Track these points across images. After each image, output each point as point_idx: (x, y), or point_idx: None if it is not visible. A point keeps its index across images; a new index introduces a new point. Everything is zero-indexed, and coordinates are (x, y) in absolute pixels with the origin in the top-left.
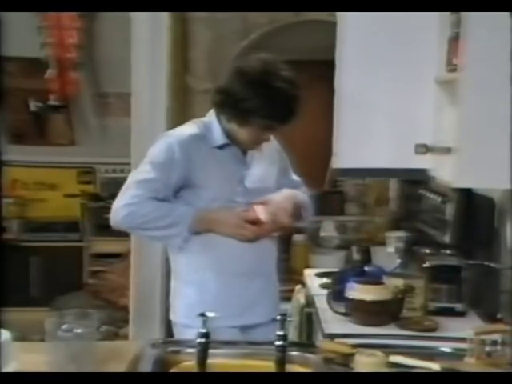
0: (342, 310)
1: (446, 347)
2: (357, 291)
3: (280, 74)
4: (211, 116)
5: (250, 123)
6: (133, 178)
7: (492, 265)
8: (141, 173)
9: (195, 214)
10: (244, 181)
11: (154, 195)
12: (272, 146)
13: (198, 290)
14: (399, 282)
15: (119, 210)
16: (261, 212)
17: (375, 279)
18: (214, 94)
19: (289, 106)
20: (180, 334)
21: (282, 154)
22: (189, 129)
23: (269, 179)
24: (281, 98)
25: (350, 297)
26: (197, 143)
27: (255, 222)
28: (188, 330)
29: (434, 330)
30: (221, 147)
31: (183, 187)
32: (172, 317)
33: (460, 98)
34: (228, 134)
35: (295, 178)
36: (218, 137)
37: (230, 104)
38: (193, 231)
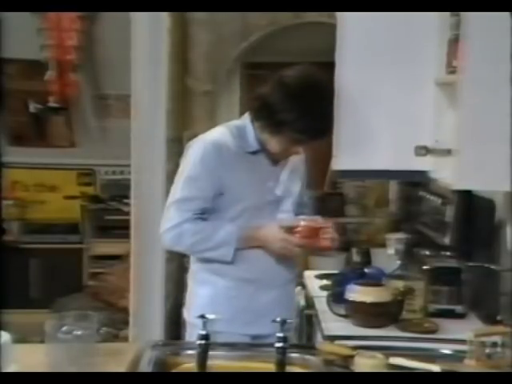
0: (342, 311)
1: (446, 349)
2: (357, 293)
3: (321, 90)
4: (245, 120)
5: (283, 135)
6: (172, 197)
7: (492, 267)
8: (178, 191)
9: (240, 234)
10: (274, 189)
11: (195, 212)
12: (299, 156)
13: (212, 293)
14: (399, 284)
15: (165, 234)
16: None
17: (375, 281)
18: (252, 100)
19: (323, 124)
20: (189, 332)
21: (304, 166)
22: (222, 133)
23: (295, 190)
24: (317, 115)
25: (350, 299)
26: (230, 148)
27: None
28: (198, 329)
29: (434, 331)
30: (254, 153)
31: (216, 195)
32: (185, 314)
33: (460, 100)
34: (260, 141)
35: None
36: (252, 142)
37: (266, 113)
38: (240, 249)
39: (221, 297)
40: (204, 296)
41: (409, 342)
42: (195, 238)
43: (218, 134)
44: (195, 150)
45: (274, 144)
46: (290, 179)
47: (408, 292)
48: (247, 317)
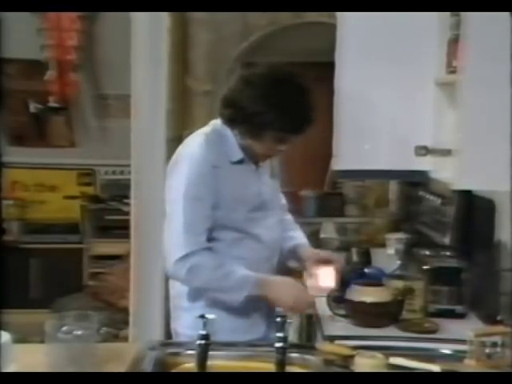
0: (342, 311)
1: (446, 349)
2: (357, 293)
3: (291, 81)
4: (224, 125)
5: (265, 136)
6: (177, 220)
7: (492, 267)
8: (181, 214)
9: (256, 281)
10: (260, 195)
11: (204, 236)
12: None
13: (204, 305)
14: (399, 284)
15: (179, 264)
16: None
17: (375, 281)
18: (223, 108)
19: (304, 115)
20: None
21: (278, 165)
22: (206, 145)
23: (276, 189)
24: (296, 108)
25: (350, 298)
26: (217, 160)
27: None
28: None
29: (434, 331)
30: (238, 162)
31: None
32: (175, 325)
33: (460, 100)
34: (242, 147)
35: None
36: (235, 151)
37: (241, 119)
38: (250, 296)
39: (215, 309)
40: (197, 308)
41: (409, 341)
42: (211, 276)
43: (203, 146)
44: (185, 169)
45: (258, 147)
46: (273, 180)
47: (408, 292)
48: (240, 325)
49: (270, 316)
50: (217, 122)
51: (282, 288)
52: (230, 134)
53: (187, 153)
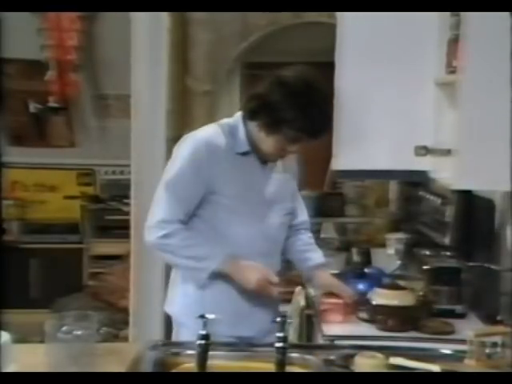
0: (365, 316)
1: (446, 349)
2: (380, 296)
3: (320, 88)
4: (237, 119)
5: (280, 133)
6: (165, 190)
7: (492, 267)
8: (170, 183)
9: (224, 258)
10: (263, 191)
11: (184, 209)
12: (291, 158)
13: (198, 291)
14: (418, 286)
15: (154, 228)
16: None
17: (398, 284)
18: (249, 100)
19: (323, 122)
20: (177, 331)
21: (297, 168)
22: (214, 132)
23: (286, 193)
24: (318, 113)
25: (373, 302)
26: (221, 148)
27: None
28: (184, 328)
29: (449, 333)
30: (243, 154)
31: (205, 196)
32: (169, 309)
33: (460, 100)
34: (252, 141)
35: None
36: (243, 143)
37: (264, 111)
38: (218, 271)
39: (206, 296)
40: (190, 294)
41: (409, 341)
42: (183, 243)
43: (211, 132)
44: (186, 147)
45: (269, 143)
46: (283, 183)
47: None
48: (232, 318)
49: (257, 313)
50: (235, 116)
51: (247, 270)
52: (241, 127)
53: (193, 134)
